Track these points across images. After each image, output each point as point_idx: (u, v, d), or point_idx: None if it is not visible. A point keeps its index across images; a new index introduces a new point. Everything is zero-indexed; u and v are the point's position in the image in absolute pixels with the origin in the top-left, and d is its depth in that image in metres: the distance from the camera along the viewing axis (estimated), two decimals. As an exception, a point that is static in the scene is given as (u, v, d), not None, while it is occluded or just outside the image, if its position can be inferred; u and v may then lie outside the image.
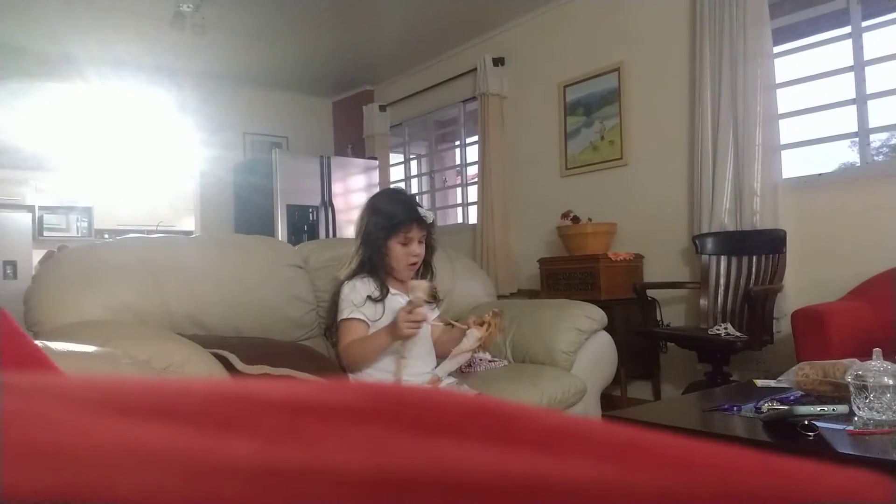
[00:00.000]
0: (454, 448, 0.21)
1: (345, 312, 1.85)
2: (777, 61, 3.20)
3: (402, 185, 5.72)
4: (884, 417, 1.30)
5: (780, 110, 3.18)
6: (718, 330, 2.92)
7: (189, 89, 5.37)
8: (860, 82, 2.98)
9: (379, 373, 1.83)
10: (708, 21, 3.34)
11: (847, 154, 3.19)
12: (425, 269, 1.99)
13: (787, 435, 1.29)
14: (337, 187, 5.24)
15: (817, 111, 3.18)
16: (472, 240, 4.74)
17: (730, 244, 3.18)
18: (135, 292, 1.75)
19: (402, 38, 4.87)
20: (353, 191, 5.35)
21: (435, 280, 2.04)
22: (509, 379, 2.07)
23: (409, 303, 1.67)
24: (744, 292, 3.03)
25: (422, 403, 0.23)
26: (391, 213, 1.86)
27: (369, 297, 1.84)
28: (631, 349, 3.29)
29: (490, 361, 2.27)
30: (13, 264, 6.40)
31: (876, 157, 3.09)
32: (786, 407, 1.39)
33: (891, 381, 1.31)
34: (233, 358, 1.58)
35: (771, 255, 3.00)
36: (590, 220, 3.78)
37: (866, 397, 1.32)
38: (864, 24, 2.99)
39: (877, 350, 1.40)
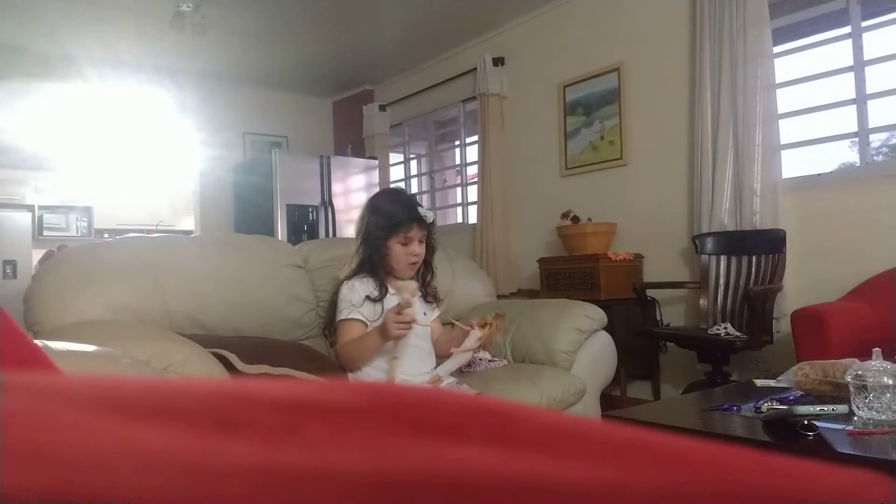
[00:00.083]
0: (454, 448, 0.21)
1: (343, 313, 1.86)
2: (777, 61, 3.20)
3: (401, 184, 5.72)
4: (883, 417, 1.30)
5: (780, 110, 3.18)
6: (718, 330, 2.92)
7: (189, 89, 5.37)
8: (860, 82, 2.98)
9: (377, 372, 1.83)
10: (708, 21, 3.34)
11: (847, 154, 3.19)
12: (426, 269, 2.00)
13: (787, 435, 1.29)
14: (337, 187, 5.24)
15: (817, 111, 3.18)
16: (472, 240, 4.74)
17: (730, 244, 3.18)
18: (134, 292, 1.75)
19: (401, 37, 4.87)
20: (352, 191, 5.35)
21: (435, 280, 2.04)
22: (509, 379, 2.07)
23: (398, 304, 1.67)
24: (743, 292, 3.03)
25: (422, 403, 0.23)
26: (391, 213, 1.86)
27: (368, 298, 1.84)
28: (631, 349, 3.29)
29: (490, 361, 2.27)
30: (13, 264, 6.40)
31: (876, 157, 3.09)
32: (785, 407, 1.39)
33: (890, 381, 1.31)
34: (233, 357, 1.58)
35: (771, 255, 3.00)
36: (590, 219, 3.78)
37: (866, 397, 1.33)
38: (864, 24, 2.99)
39: (876, 350, 1.40)
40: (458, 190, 5.35)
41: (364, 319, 1.83)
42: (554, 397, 2.04)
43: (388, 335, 1.68)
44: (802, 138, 3.24)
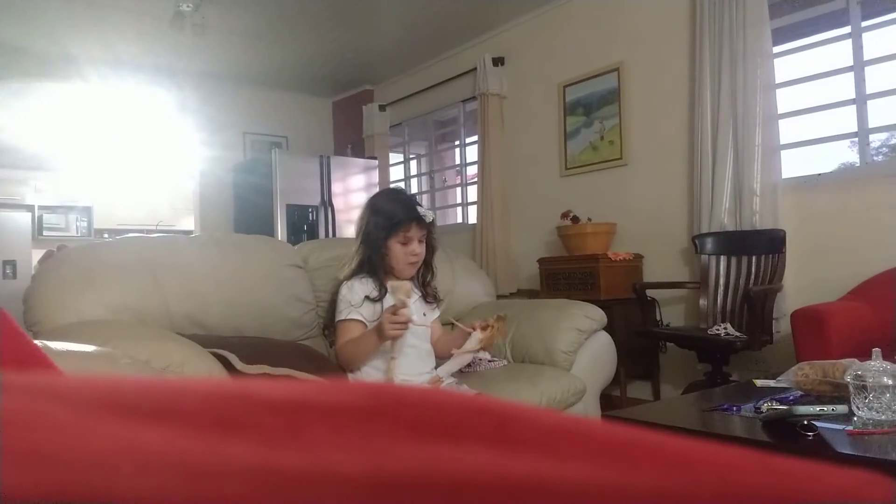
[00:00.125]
0: (453, 449, 0.21)
1: (342, 313, 1.86)
2: (777, 61, 3.20)
3: (401, 184, 5.72)
4: (883, 417, 1.30)
5: (780, 110, 3.18)
6: (718, 330, 2.92)
7: (189, 89, 5.37)
8: (860, 82, 2.98)
9: (376, 372, 1.83)
10: (708, 21, 3.34)
11: (847, 154, 3.19)
12: (426, 269, 2.00)
13: (787, 435, 1.29)
14: (336, 187, 5.24)
15: (817, 111, 3.18)
16: (472, 240, 4.74)
17: (729, 244, 3.18)
18: (134, 292, 1.75)
19: (401, 37, 4.87)
20: (352, 191, 5.35)
21: (435, 280, 2.04)
22: (509, 379, 2.07)
23: (393, 305, 1.67)
24: (743, 292, 3.03)
25: (421, 404, 0.23)
26: (391, 213, 1.86)
27: (367, 298, 1.84)
28: (630, 349, 3.29)
29: (490, 361, 2.27)
30: (13, 264, 6.40)
31: (875, 157, 3.10)
32: (785, 407, 1.39)
33: (890, 382, 1.31)
34: (232, 358, 1.58)
35: (770, 255, 3.00)
36: (589, 220, 3.78)
37: (865, 397, 1.33)
38: (864, 24, 2.99)
39: (876, 350, 1.40)
40: (458, 190, 5.35)
41: (363, 320, 1.84)
42: (554, 397, 2.04)
43: (384, 335, 1.68)
44: (802, 138, 3.24)
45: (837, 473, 0.23)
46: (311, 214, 5.07)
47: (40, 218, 7.16)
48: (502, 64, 4.64)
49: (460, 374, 2.06)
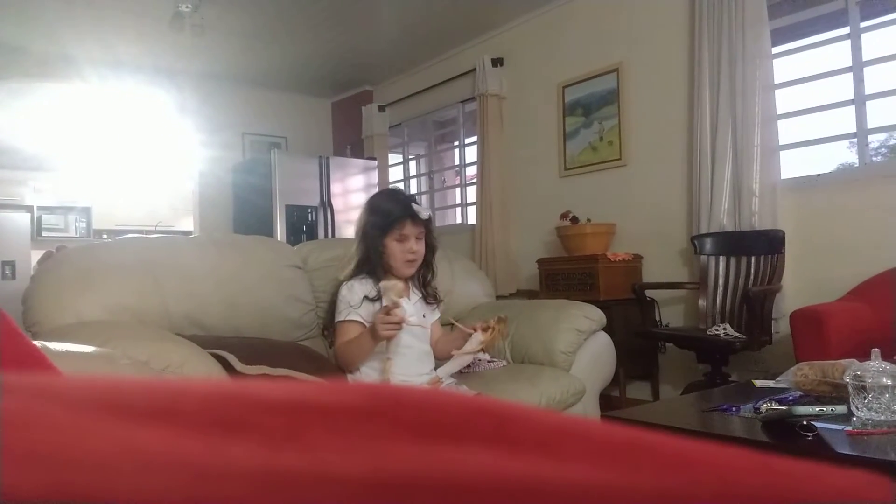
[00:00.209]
0: (453, 450, 0.21)
1: (341, 314, 1.86)
2: (776, 62, 3.20)
3: (401, 185, 5.72)
4: (882, 418, 1.30)
5: (779, 111, 3.18)
6: (717, 330, 2.92)
7: (188, 90, 5.37)
8: (858, 83, 2.98)
9: (375, 372, 1.83)
10: (707, 22, 3.34)
11: (846, 154, 3.20)
12: (426, 268, 1.99)
13: (786, 435, 1.29)
14: (336, 188, 5.23)
15: (816, 112, 3.18)
16: (471, 240, 4.74)
17: (728, 244, 3.18)
18: (134, 292, 1.75)
19: (400, 38, 4.87)
20: (351, 191, 5.35)
21: (436, 280, 2.04)
22: (508, 379, 2.07)
23: (386, 305, 1.67)
24: (742, 293, 3.03)
25: (421, 404, 0.23)
26: (386, 211, 1.88)
27: (366, 297, 1.84)
28: (630, 349, 3.29)
29: (489, 362, 2.27)
30: (12, 264, 6.40)
31: (874, 158, 3.10)
32: (784, 407, 1.39)
33: (889, 382, 1.31)
34: (231, 358, 1.58)
35: (769, 256, 3.00)
36: (589, 220, 3.79)
37: (865, 398, 1.33)
38: (863, 24, 3.00)
39: (875, 350, 1.40)
40: (458, 190, 5.35)
41: (362, 320, 1.84)
42: (553, 398, 2.04)
43: (378, 336, 1.68)
44: (801, 139, 3.24)
45: (836, 474, 0.23)
46: (310, 215, 5.07)
47: (39, 218, 7.16)
48: (501, 64, 4.64)
49: (460, 374, 2.06)
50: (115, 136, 6.48)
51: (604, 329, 2.42)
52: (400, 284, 1.71)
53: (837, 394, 1.46)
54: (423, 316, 1.97)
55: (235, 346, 1.67)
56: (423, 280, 2.01)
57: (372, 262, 1.88)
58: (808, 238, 3.07)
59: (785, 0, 3.26)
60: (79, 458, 0.18)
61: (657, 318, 3.52)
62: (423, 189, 5.71)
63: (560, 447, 0.22)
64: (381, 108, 5.67)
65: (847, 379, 1.37)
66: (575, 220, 3.80)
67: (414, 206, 1.88)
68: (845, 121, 3.04)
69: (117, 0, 3.98)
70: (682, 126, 3.59)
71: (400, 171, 5.83)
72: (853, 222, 2.94)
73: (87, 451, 0.18)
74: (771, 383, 1.77)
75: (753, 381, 1.87)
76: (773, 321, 3.00)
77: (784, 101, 3.21)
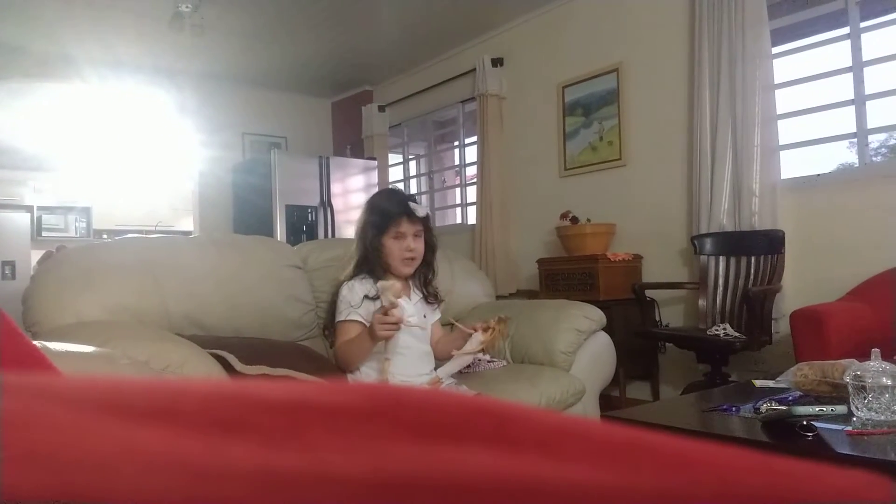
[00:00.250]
0: (453, 450, 0.21)
1: (342, 314, 1.86)
2: (776, 62, 3.20)
3: (401, 185, 5.72)
4: (882, 418, 1.30)
5: (779, 111, 3.18)
6: (717, 330, 2.92)
7: (188, 90, 5.37)
8: (858, 83, 2.98)
9: (374, 372, 1.83)
10: (707, 22, 3.34)
11: (845, 155, 3.20)
12: (426, 268, 1.99)
13: (786, 435, 1.29)
14: (336, 188, 5.23)
15: (816, 112, 3.18)
16: (471, 240, 4.74)
17: (728, 244, 3.18)
18: (133, 292, 1.75)
19: (400, 38, 4.87)
20: (351, 191, 5.35)
21: (436, 279, 2.04)
22: (508, 379, 2.07)
23: (383, 306, 1.67)
24: (742, 293, 3.03)
25: (421, 404, 0.23)
26: (383, 210, 1.89)
27: (366, 297, 1.84)
28: (630, 349, 3.29)
29: (489, 362, 2.27)
30: (12, 264, 6.39)
31: (874, 158, 3.10)
32: (784, 407, 1.39)
33: (889, 382, 1.31)
34: (231, 358, 1.58)
35: (769, 256, 3.00)
36: (588, 220, 3.79)
37: (865, 398, 1.33)
38: (863, 24, 3.00)
39: (875, 350, 1.40)
40: (458, 190, 5.35)
41: (362, 320, 1.83)
42: (553, 398, 2.04)
43: (376, 336, 1.68)
44: (801, 139, 3.24)
45: (836, 474, 0.23)
46: (310, 215, 5.07)
47: (39, 218, 7.16)
48: (501, 64, 4.64)
49: (460, 374, 2.06)
50: (115, 136, 6.48)
51: (604, 329, 2.42)
52: (397, 284, 1.70)
53: (837, 394, 1.46)
54: (424, 316, 1.96)
55: (235, 347, 1.67)
56: (424, 279, 2.00)
57: (371, 261, 1.88)
58: (808, 238, 3.07)
59: (785, 0, 3.26)
60: (79, 459, 0.18)
61: (657, 319, 3.52)
62: (423, 189, 5.71)
63: (560, 447, 0.22)
64: (381, 108, 5.67)
65: (847, 379, 1.37)
66: (575, 220, 3.80)
67: (410, 203, 1.88)
68: (845, 121, 3.04)
69: (117, 0, 3.98)
70: (682, 126, 3.59)
71: (400, 171, 5.83)
72: (853, 222, 2.94)
73: (88, 452, 0.18)
74: (771, 383, 1.77)
75: (753, 381, 1.87)
76: (772, 321, 3.00)
77: (784, 101, 3.21)
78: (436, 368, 1.95)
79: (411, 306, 1.92)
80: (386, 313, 1.65)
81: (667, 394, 3.60)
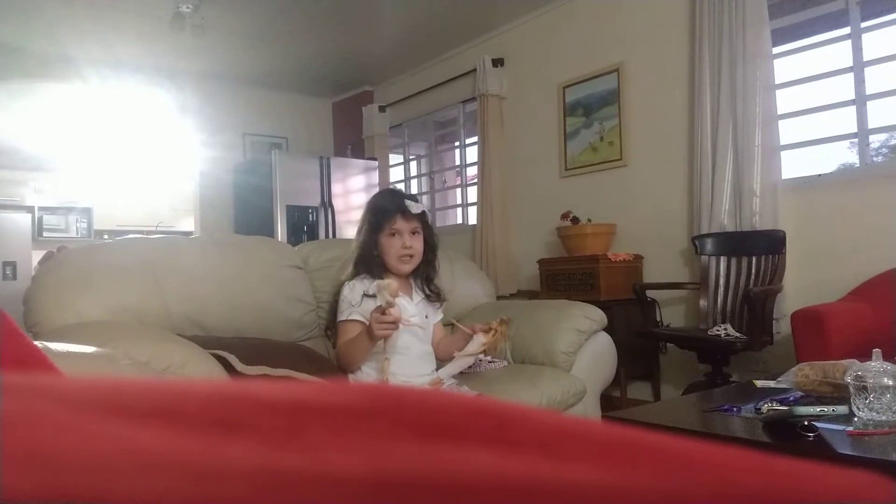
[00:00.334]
0: (454, 450, 0.21)
1: (343, 314, 1.86)
2: (776, 62, 3.20)
3: (401, 185, 5.73)
4: (883, 418, 1.30)
5: (780, 111, 3.18)
6: (718, 330, 2.92)
7: (189, 90, 5.37)
8: (859, 83, 2.98)
9: (376, 372, 1.83)
10: (707, 22, 3.34)
11: (846, 155, 3.20)
12: (427, 267, 1.99)
13: (787, 436, 1.29)
14: (336, 188, 5.24)
15: (817, 112, 3.18)
16: (472, 240, 4.74)
17: (729, 245, 3.18)
18: (134, 293, 1.75)
19: (401, 38, 4.87)
20: (352, 191, 5.35)
21: (437, 278, 2.04)
22: (509, 380, 2.07)
23: (379, 305, 1.67)
24: (743, 293, 3.03)
25: (421, 405, 0.23)
26: (379, 208, 1.90)
27: (365, 294, 1.84)
28: (631, 350, 3.29)
29: (490, 362, 2.27)
30: (13, 265, 6.40)
31: (875, 158, 3.10)
32: (786, 407, 1.39)
33: (890, 382, 1.31)
34: (232, 359, 1.58)
35: (770, 256, 3.00)
36: (589, 220, 3.79)
37: (866, 398, 1.32)
38: (864, 24, 3.00)
39: (877, 351, 1.40)
40: (458, 191, 5.35)
41: (363, 319, 1.83)
42: (554, 398, 2.04)
43: (374, 335, 1.68)
44: (802, 139, 3.24)
45: (838, 474, 0.23)
46: (311, 215, 5.07)
47: (40, 219, 7.16)
48: (502, 65, 4.64)
49: (461, 375, 2.06)
50: (116, 137, 6.48)
51: (605, 329, 2.42)
52: (394, 283, 1.70)
53: (839, 394, 1.46)
54: (426, 316, 1.96)
55: (236, 347, 1.67)
56: (426, 278, 2.00)
57: (369, 260, 1.88)
58: (809, 238, 3.07)
59: (785, 0, 3.26)
60: (79, 459, 0.18)
61: (658, 319, 3.52)
62: (424, 189, 5.71)
63: (560, 447, 0.22)
64: (382, 109, 5.67)
65: (848, 379, 1.37)
66: (575, 220, 3.80)
67: (406, 201, 1.88)
68: (846, 121, 3.04)
69: (118, 0, 3.98)
70: (682, 126, 3.59)
71: (401, 172, 5.83)
72: (854, 222, 2.94)
73: (88, 452, 0.18)
74: (772, 383, 1.76)
75: (754, 381, 1.87)
76: (773, 321, 3.00)
77: (785, 101, 3.21)
78: (437, 369, 1.95)
79: (413, 306, 1.92)
80: (383, 312, 1.65)
81: (668, 394, 3.60)
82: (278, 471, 0.19)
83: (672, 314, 3.58)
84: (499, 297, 3.42)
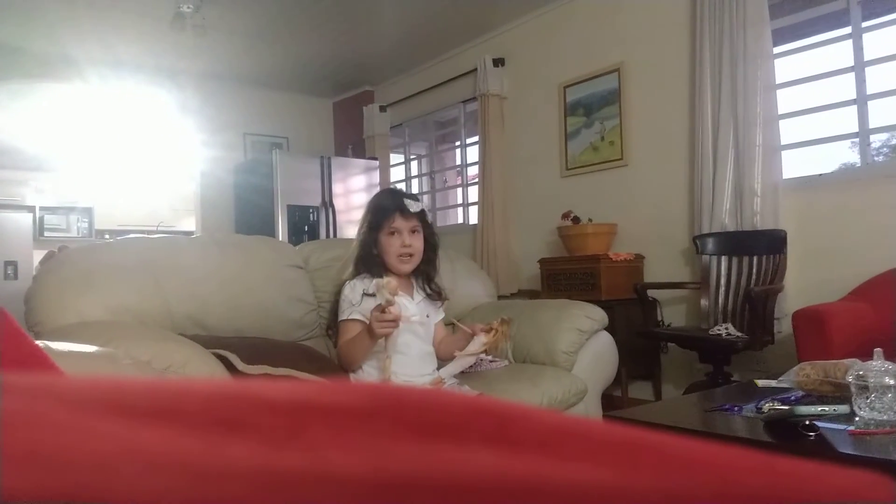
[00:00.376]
0: (454, 450, 0.21)
1: (344, 313, 1.86)
2: (777, 62, 3.20)
3: (402, 185, 5.73)
4: (885, 417, 1.30)
5: (781, 111, 3.17)
6: (719, 330, 2.92)
7: (189, 90, 5.37)
8: (860, 83, 2.98)
9: (377, 371, 1.83)
10: (708, 21, 3.34)
11: (847, 154, 3.19)
12: (427, 266, 1.99)
13: (788, 435, 1.29)
14: (337, 188, 5.24)
15: (818, 111, 3.17)
16: (473, 240, 4.74)
17: (730, 244, 3.18)
18: (136, 293, 1.75)
19: (402, 38, 4.87)
20: (353, 191, 5.35)
21: (439, 277, 2.03)
22: (510, 379, 2.07)
23: (379, 304, 1.67)
24: (744, 292, 3.03)
25: (422, 404, 0.23)
26: (378, 207, 1.91)
27: (365, 293, 1.84)
28: (632, 349, 3.29)
29: (491, 362, 2.27)
30: (14, 265, 6.40)
31: (876, 158, 3.09)
32: (787, 407, 1.39)
33: (892, 382, 1.31)
34: (233, 358, 1.58)
35: (771, 256, 3.00)
36: (590, 220, 3.78)
37: (867, 397, 1.32)
38: (864, 24, 2.99)
39: (878, 350, 1.40)
40: (459, 190, 5.35)
41: (363, 319, 1.83)
42: (555, 398, 2.04)
43: (374, 334, 1.68)
44: (803, 139, 3.24)
45: (839, 474, 0.23)
46: (311, 215, 5.07)
47: (41, 219, 7.17)
48: (502, 64, 4.64)
49: (462, 374, 2.06)
50: (117, 137, 6.49)
51: (606, 329, 2.42)
52: (393, 281, 1.70)
53: (840, 394, 1.46)
54: (427, 316, 1.96)
55: (237, 346, 1.67)
56: (426, 278, 2.00)
57: (369, 259, 1.89)
58: (810, 238, 3.07)
59: (786, 0, 3.26)
60: (80, 459, 0.18)
61: (659, 318, 3.52)
62: (425, 189, 5.71)
63: (561, 447, 0.22)
64: (383, 109, 5.67)
65: (849, 379, 1.37)
66: (576, 220, 3.79)
67: (405, 200, 1.88)
68: (847, 121, 3.04)
69: (118, 0, 3.98)
70: (683, 126, 3.58)
71: (401, 172, 5.83)
72: (855, 222, 2.93)
73: (88, 452, 0.18)
74: (773, 383, 1.76)
75: (755, 380, 1.86)
76: (775, 321, 2.99)
77: (786, 100, 3.21)
78: (438, 369, 1.95)
79: (414, 305, 1.92)
80: (383, 311, 1.65)
81: (669, 394, 3.60)
82: (279, 471, 0.19)
83: (673, 314, 3.58)
84: (500, 297, 3.42)
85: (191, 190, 6.00)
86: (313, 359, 1.86)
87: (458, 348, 1.82)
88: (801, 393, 1.60)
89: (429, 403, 0.24)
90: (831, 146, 3.19)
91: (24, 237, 6.59)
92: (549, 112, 4.35)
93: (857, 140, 3.05)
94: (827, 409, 1.31)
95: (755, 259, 3.06)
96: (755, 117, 3.13)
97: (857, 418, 1.33)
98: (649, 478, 0.21)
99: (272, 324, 2.02)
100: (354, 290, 1.86)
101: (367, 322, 1.82)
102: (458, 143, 5.40)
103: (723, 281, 3.17)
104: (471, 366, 2.12)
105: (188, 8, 3.98)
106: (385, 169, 5.63)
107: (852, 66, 3.00)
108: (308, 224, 5.05)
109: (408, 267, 1.92)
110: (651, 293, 3.43)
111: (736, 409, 1.53)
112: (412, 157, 5.86)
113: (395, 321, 1.66)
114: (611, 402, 3.13)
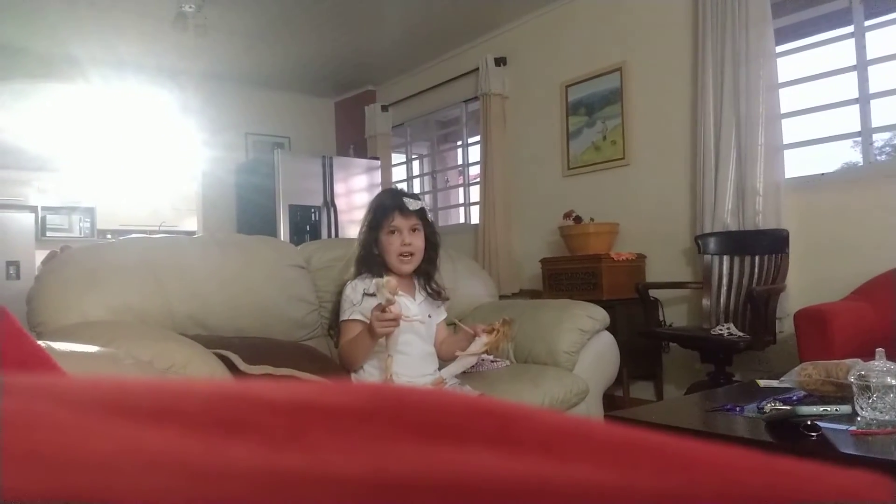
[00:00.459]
0: (455, 450, 0.21)
1: (345, 313, 1.87)
2: (779, 61, 3.20)
3: (404, 185, 5.73)
4: (887, 418, 1.30)
5: (783, 110, 3.17)
6: (721, 330, 2.92)
7: (191, 90, 5.38)
8: (863, 82, 2.97)
9: (378, 371, 1.83)
10: (710, 21, 3.34)
11: (850, 154, 3.19)
12: (428, 265, 1.98)
13: (790, 435, 1.29)
14: (339, 187, 5.24)
15: (820, 111, 3.17)
16: (474, 240, 4.74)
17: (732, 244, 3.17)
18: (137, 293, 1.76)
19: (403, 38, 4.87)
20: (355, 191, 5.35)
21: (439, 276, 2.03)
22: (511, 379, 2.07)
23: (379, 303, 1.67)
24: (746, 292, 3.02)
25: (423, 405, 0.23)
26: (378, 207, 1.91)
27: (365, 293, 1.84)
28: (633, 349, 3.29)
29: (492, 362, 2.27)
30: (16, 265, 6.41)
31: (879, 157, 3.09)
32: (788, 407, 1.39)
33: (894, 382, 1.31)
34: (235, 358, 1.58)
35: (773, 255, 3.00)
36: (592, 220, 3.78)
37: (869, 397, 1.32)
38: (867, 23, 2.99)
39: (880, 350, 1.40)
40: (461, 190, 5.35)
41: (365, 318, 1.83)
42: (556, 398, 2.04)
43: (375, 333, 1.68)
44: (805, 138, 3.23)
45: (840, 474, 0.23)
46: (313, 215, 5.08)
47: (43, 219, 7.17)
48: (504, 64, 4.64)
49: (463, 374, 2.05)
50: (119, 137, 6.49)
51: (607, 329, 2.42)
52: (393, 281, 1.70)
53: (841, 394, 1.46)
54: (429, 316, 1.96)
55: (239, 346, 1.67)
56: (427, 277, 2.00)
57: (369, 259, 1.89)
58: (812, 237, 3.06)
59: (788, -1, 3.26)
60: (81, 459, 0.18)
61: (661, 318, 3.52)
62: (426, 189, 5.72)
63: (562, 447, 0.22)
64: (384, 108, 5.67)
65: (851, 379, 1.37)
66: (578, 219, 3.79)
67: (404, 198, 1.88)
68: (849, 120, 3.04)
69: (120, 0, 3.99)
70: (685, 125, 3.58)
71: (403, 171, 5.84)
72: (857, 221, 2.93)
73: (89, 452, 0.18)
74: (775, 383, 1.76)
75: (757, 380, 1.86)
76: (776, 321, 2.99)
77: (788, 100, 3.20)
78: (440, 369, 1.95)
79: (415, 306, 1.92)
80: (384, 310, 1.65)
81: (670, 393, 3.59)
82: (279, 471, 0.19)
83: (675, 314, 3.58)
84: (501, 297, 3.42)
85: (192, 190, 6.00)
86: (315, 359, 1.86)
87: (459, 349, 1.82)
88: (802, 393, 1.60)
89: (430, 404, 0.24)
90: (833, 145, 3.19)
91: (26, 237, 6.60)
92: (550, 111, 4.35)
93: (859, 139, 3.04)
94: (829, 409, 1.30)
95: (757, 259, 3.06)
96: (757, 116, 3.12)
97: (858, 418, 1.33)
98: (650, 478, 0.21)
99: (273, 324, 2.02)
100: (355, 289, 1.87)
101: (368, 322, 1.82)
102: (459, 143, 5.40)
103: (724, 280, 3.17)
104: (472, 366, 2.12)
105: (190, 8, 3.98)
106: (387, 169, 5.63)
107: (855, 66, 3.00)
108: (310, 224, 5.05)
109: (408, 267, 1.92)
110: (653, 293, 3.43)
111: (738, 409, 1.52)
112: (414, 156, 5.86)
113: (396, 320, 1.66)
114: (612, 402, 3.13)
